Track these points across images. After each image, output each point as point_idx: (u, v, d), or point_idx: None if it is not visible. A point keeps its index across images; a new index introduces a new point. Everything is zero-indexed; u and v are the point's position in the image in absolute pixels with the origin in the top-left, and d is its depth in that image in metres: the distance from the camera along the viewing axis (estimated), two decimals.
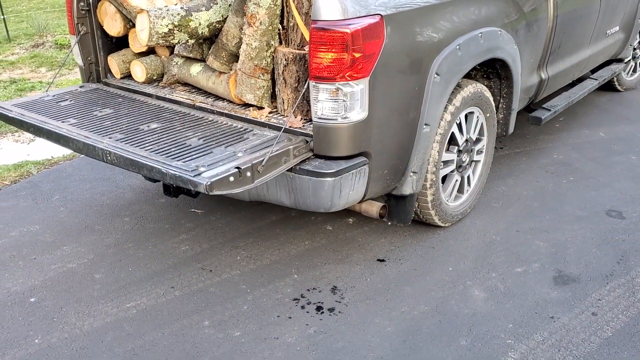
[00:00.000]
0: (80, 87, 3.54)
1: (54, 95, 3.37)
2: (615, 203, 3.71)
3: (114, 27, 3.44)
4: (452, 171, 3.36)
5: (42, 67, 7.29)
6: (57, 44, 8.23)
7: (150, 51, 3.50)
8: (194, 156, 2.50)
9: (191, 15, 3.04)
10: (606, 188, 3.90)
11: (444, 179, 3.33)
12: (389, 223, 3.49)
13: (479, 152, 3.54)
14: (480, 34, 3.06)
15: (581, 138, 4.69)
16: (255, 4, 2.78)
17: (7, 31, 8.85)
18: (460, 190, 3.50)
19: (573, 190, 3.89)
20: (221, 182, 2.31)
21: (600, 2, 4.32)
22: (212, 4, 3.13)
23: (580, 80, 4.79)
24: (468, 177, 3.52)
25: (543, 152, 4.44)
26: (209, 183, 2.25)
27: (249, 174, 2.41)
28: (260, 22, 2.79)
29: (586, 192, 3.85)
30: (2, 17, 8.96)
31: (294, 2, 2.78)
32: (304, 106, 2.81)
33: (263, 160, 2.45)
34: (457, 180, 3.42)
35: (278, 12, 2.82)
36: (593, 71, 5.01)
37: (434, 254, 3.23)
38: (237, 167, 2.37)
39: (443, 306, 2.82)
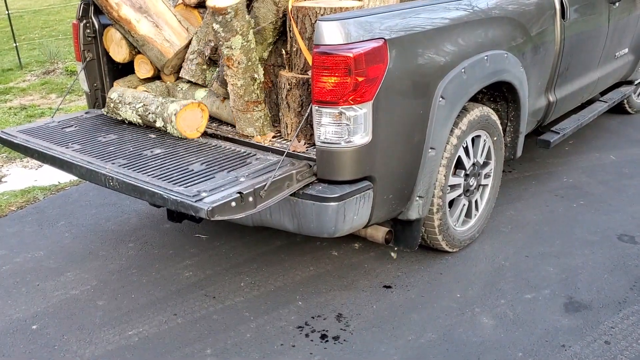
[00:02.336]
0: (86, 113, 3.54)
1: (59, 122, 3.38)
2: (627, 227, 3.63)
3: (119, 53, 3.46)
4: (460, 195, 3.31)
5: (52, 94, 7.36)
6: (67, 70, 8.33)
7: (156, 77, 3.51)
8: (196, 181, 2.47)
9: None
10: (618, 212, 3.82)
11: (451, 203, 3.28)
12: (395, 248, 3.43)
13: (487, 176, 3.49)
14: (486, 57, 3.03)
15: (591, 161, 4.63)
16: (228, 47, 2.77)
17: (19, 59, 8.99)
18: (468, 214, 3.45)
19: (584, 214, 3.82)
20: (223, 207, 2.28)
21: (608, 24, 4.30)
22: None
23: (589, 102, 4.74)
24: (476, 202, 3.47)
25: (553, 176, 4.38)
26: (210, 208, 2.22)
27: (251, 199, 2.38)
28: (238, 62, 2.81)
29: (597, 217, 3.78)
30: (14, 45, 9.11)
31: (297, 27, 2.78)
32: (308, 130, 2.79)
33: (265, 185, 2.42)
34: (464, 205, 3.37)
35: (252, 45, 2.82)
36: (603, 93, 4.96)
37: (441, 280, 3.16)
38: (239, 192, 2.35)
39: (451, 334, 2.75)
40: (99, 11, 3.43)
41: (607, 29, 4.30)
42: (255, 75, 2.87)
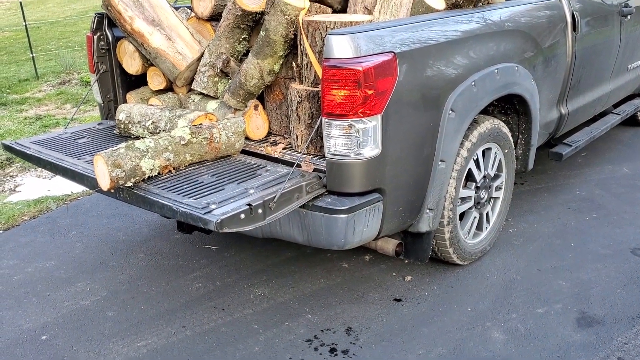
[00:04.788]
0: (99, 124, 3.58)
1: (72, 133, 3.41)
2: None
3: (132, 65, 3.50)
4: (471, 208, 3.29)
5: (67, 104, 7.45)
6: (82, 81, 8.43)
7: (168, 88, 3.54)
8: (205, 193, 2.48)
9: None
10: (631, 225, 3.78)
11: (462, 216, 3.26)
12: (406, 261, 3.42)
13: (498, 188, 3.47)
14: (496, 70, 3.03)
15: (604, 174, 4.59)
16: None
17: (35, 69, 9.11)
18: (479, 227, 3.42)
19: (596, 227, 3.78)
20: (231, 219, 2.28)
21: (620, 37, 4.28)
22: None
23: (602, 115, 4.71)
24: (487, 214, 3.45)
25: (565, 188, 4.35)
26: (219, 220, 2.23)
27: (260, 211, 2.38)
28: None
29: (610, 230, 3.74)
30: (31, 55, 9.24)
31: (307, 40, 2.80)
32: (318, 142, 2.79)
33: (275, 196, 2.42)
34: (475, 217, 3.35)
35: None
36: (615, 106, 4.93)
37: (452, 293, 3.14)
38: (248, 204, 2.35)
39: (461, 348, 2.72)
40: (112, 24, 3.47)
41: (619, 41, 4.27)
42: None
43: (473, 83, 2.87)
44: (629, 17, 4.32)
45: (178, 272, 3.42)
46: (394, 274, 3.33)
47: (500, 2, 3.36)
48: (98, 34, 3.50)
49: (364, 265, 3.42)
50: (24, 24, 9.44)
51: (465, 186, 3.19)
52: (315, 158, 2.79)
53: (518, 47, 3.26)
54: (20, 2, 9.50)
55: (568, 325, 2.85)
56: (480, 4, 3.24)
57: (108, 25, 3.51)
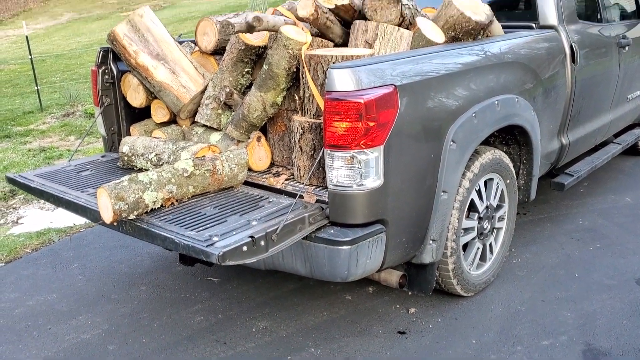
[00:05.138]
0: (102, 156, 3.60)
1: (75, 165, 3.43)
2: None
3: (137, 98, 3.53)
4: (474, 239, 3.28)
5: (71, 136, 7.50)
6: (86, 112, 8.50)
7: (172, 121, 3.57)
8: (207, 225, 2.48)
9: None
10: (635, 255, 3.76)
11: (465, 247, 3.25)
12: (410, 293, 3.39)
13: (501, 218, 3.47)
14: (496, 102, 3.05)
15: (607, 203, 4.59)
16: None
17: (40, 101, 9.21)
18: (483, 258, 3.41)
19: (600, 257, 3.76)
20: (234, 252, 2.28)
21: (619, 68, 4.32)
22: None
23: (603, 144, 4.73)
24: (490, 245, 3.43)
25: (568, 218, 4.34)
26: (221, 253, 2.22)
27: (262, 243, 2.38)
28: None
29: (614, 260, 3.72)
30: (36, 88, 9.34)
31: (310, 73, 2.83)
32: (320, 173, 2.81)
33: (277, 228, 2.42)
34: (478, 248, 3.34)
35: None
36: (616, 135, 4.95)
37: (456, 325, 3.11)
38: (251, 236, 2.35)
39: None
40: (117, 58, 3.52)
41: (617, 72, 4.32)
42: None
43: (474, 114, 2.90)
44: (626, 48, 4.38)
45: (180, 304, 3.40)
46: (397, 306, 3.31)
47: (499, 35, 3.41)
48: (103, 67, 3.55)
49: (368, 298, 3.40)
50: (29, 56, 9.56)
51: (467, 217, 3.19)
52: (318, 189, 2.80)
53: (518, 78, 3.30)
54: (27, 36, 9.65)
55: (574, 357, 2.82)
56: (480, 36, 3.30)
57: (113, 59, 3.56)
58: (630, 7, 5.01)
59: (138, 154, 3.21)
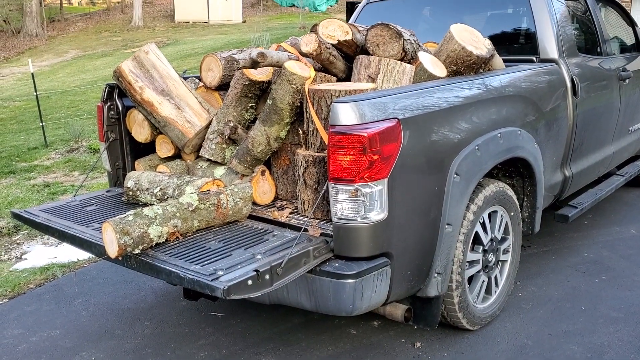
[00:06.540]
0: (107, 191, 3.62)
1: (80, 200, 3.44)
2: None
3: (142, 133, 3.57)
4: (479, 272, 3.26)
5: (75, 171, 7.54)
6: (90, 148, 8.56)
7: (177, 155, 3.60)
8: (212, 260, 2.48)
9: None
10: None
11: (470, 280, 3.23)
12: (415, 327, 3.36)
13: (505, 251, 3.46)
14: (499, 134, 3.08)
15: (611, 235, 4.57)
16: None
17: (44, 137, 9.28)
18: (488, 291, 3.39)
19: (606, 290, 3.73)
20: (239, 286, 2.27)
21: (620, 100, 4.36)
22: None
23: (606, 176, 4.74)
24: (495, 278, 3.42)
25: (573, 251, 4.32)
26: (226, 287, 2.22)
27: (267, 276, 2.37)
28: None
29: (620, 292, 3.69)
30: (41, 124, 9.43)
31: (313, 108, 2.87)
32: (324, 206, 2.81)
33: (282, 262, 2.42)
34: (484, 281, 3.32)
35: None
36: (619, 167, 4.97)
37: (463, 359, 3.07)
38: (256, 270, 2.34)
39: None
40: (122, 94, 3.57)
41: (619, 104, 4.36)
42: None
43: (477, 147, 2.92)
44: (627, 80, 4.43)
45: (184, 340, 3.37)
46: (403, 340, 3.27)
47: (501, 68, 3.45)
48: (109, 103, 3.59)
49: (373, 332, 3.37)
50: (34, 93, 9.68)
51: (472, 249, 3.18)
52: (322, 222, 2.81)
53: (520, 111, 3.33)
54: (32, 73, 9.78)
55: None
56: (481, 70, 3.34)
57: (118, 95, 3.60)
58: (630, 40, 5.09)
59: (143, 188, 3.23)
